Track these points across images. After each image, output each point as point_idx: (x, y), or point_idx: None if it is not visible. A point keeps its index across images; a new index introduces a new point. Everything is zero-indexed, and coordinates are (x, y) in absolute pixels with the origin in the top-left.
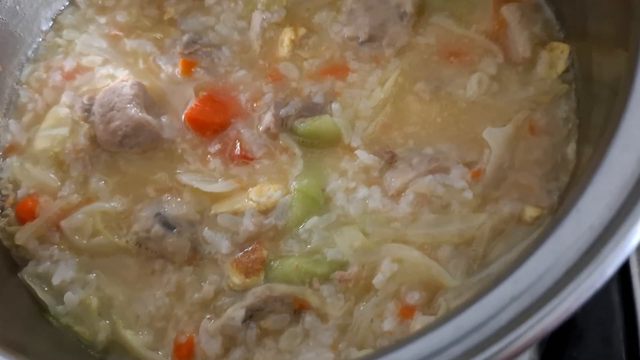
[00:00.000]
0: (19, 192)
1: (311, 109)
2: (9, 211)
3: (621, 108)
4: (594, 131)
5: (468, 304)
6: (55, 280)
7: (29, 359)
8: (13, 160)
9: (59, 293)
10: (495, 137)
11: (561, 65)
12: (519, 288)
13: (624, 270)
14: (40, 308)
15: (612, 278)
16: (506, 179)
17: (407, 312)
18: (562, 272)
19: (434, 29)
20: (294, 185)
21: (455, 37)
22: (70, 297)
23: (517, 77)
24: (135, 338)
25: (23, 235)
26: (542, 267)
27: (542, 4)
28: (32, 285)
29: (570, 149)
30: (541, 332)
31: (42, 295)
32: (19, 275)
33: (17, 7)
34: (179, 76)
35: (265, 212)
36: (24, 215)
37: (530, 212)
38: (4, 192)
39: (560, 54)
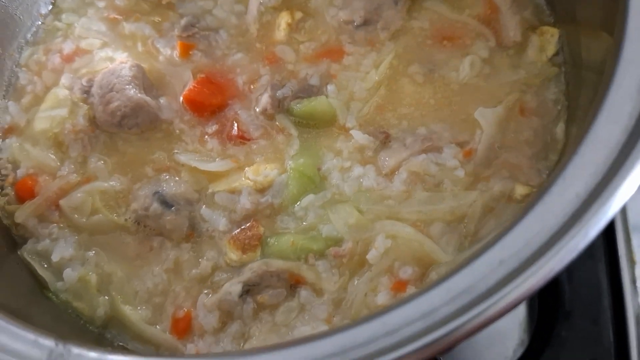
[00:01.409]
0: (18, 171)
1: (307, 91)
2: (9, 190)
3: (606, 85)
4: (582, 112)
5: (457, 268)
6: (55, 258)
7: (33, 325)
8: (12, 141)
9: (58, 270)
10: (486, 117)
11: (551, 49)
12: (507, 253)
13: (612, 251)
14: (40, 285)
15: (600, 258)
16: (497, 158)
17: (400, 287)
18: (548, 237)
19: (427, 14)
20: (290, 164)
21: (449, 22)
22: (69, 274)
23: (508, 60)
24: (133, 313)
25: (22, 214)
26: (529, 232)
27: None
28: (32, 263)
29: (560, 129)
30: (527, 291)
31: (41, 272)
32: (18, 252)
33: None
34: (177, 59)
35: (262, 190)
36: (24, 194)
37: (520, 190)
38: (3, 172)
39: (550, 38)
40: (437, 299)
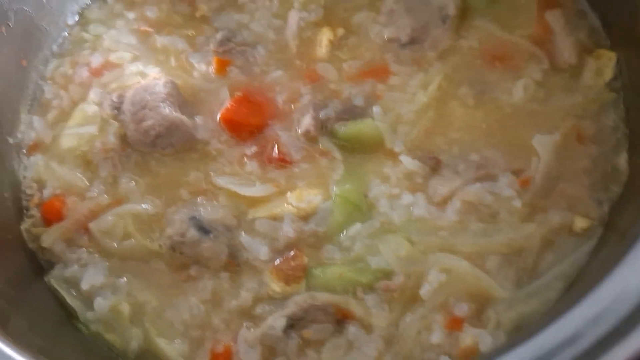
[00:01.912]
0: (44, 192)
1: (351, 112)
2: (34, 212)
3: None
4: None
5: (545, 321)
6: (85, 285)
7: None
8: (38, 159)
9: (88, 299)
10: (543, 144)
11: (608, 73)
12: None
13: None
14: (68, 314)
15: None
16: (554, 188)
17: (455, 324)
18: None
19: (477, 33)
20: (334, 190)
21: (499, 41)
22: (100, 303)
23: (563, 84)
24: (169, 347)
25: (49, 237)
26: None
27: (587, 11)
28: (60, 290)
29: (622, 159)
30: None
31: (70, 300)
32: (45, 279)
33: (44, 0)
34: (212, 75)
35: (305, 217)
36: (51, 217)
37: (580, 223)
38: (28, 191)
39: (607, 62)
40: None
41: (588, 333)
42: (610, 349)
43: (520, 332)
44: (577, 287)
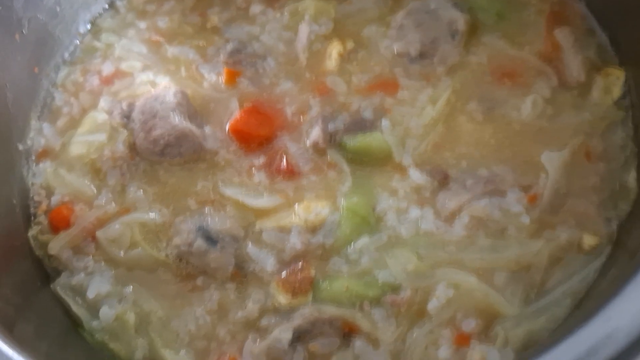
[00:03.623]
0: (52, 199)
1: (360, 125)
2: (42, 219)
3: None
4: None
5: (554, 341)
6: (91, 294)
7: None
8: (46, 166)
9: (93, 307)
10: (552, 161)
11: (617, 92)
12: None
13: None
14: (74, 322)
15: None
16: (563, 205)
17: (463, 340)
18: None
19: (485, 49)
20: (342, 202)
21: (508, 58)
22: (106, 312)
23: (572, 101)
24: (174, 358)
25: (57, 245)
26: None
27: (595, 29)
28: (66, 298)
29: (631, 177)
30: None
31: (76, 309)
32: (51, 286)
33: (57, 8)
34: (222, 86)
35: (312, 229)
36: (58, 224)
37: (589, 240)
38: (36, 198)
39: (615, 80)
40: None
41: (599, 352)
42: None
43: (529, 350)
44: (586, 305)
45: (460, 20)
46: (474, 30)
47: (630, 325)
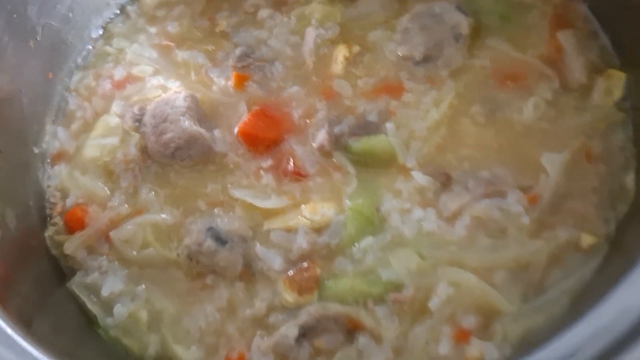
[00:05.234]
0: (67, 200)
1: (365, 128)
2: (57, 220)
3: None
4: None
5: (549, 337)
6: (105, 292)
7: None
8: (61, 168)
9: (107, 305)
10: (552, 163)
11: (617, 93)
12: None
13: None
14: (89, 319)
15: None
16: (562, 205)
17: (462, 337)
18: None
19: (489, 52)
20: (347, 204)
21: (511, 61)
22: (119, 309)
23: (573, 103)
24: (185, 353)
25: (72, 245)
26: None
27: (598, 31)
28: (81, 296)
29: (630, 179)
30: None
31: (91, 306)
32: (67, 285)
33: (70, 14)
34: (231, 89)
35: (318, 230)
36: (73, 225)
37: (587, 240)
38: (52, 200)
39: (616, 82)
40: None
41: (589, 348)
42: None
43: (526, 346)
44: (583, 303)
45: (464, 24)
46: (477, 33)
47: (621, 322)
